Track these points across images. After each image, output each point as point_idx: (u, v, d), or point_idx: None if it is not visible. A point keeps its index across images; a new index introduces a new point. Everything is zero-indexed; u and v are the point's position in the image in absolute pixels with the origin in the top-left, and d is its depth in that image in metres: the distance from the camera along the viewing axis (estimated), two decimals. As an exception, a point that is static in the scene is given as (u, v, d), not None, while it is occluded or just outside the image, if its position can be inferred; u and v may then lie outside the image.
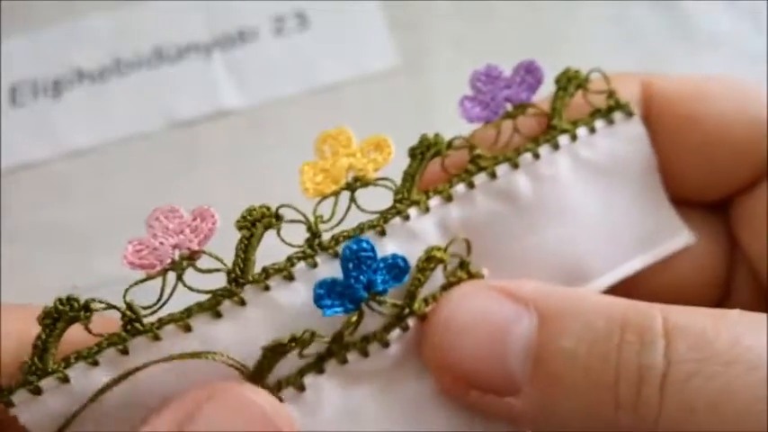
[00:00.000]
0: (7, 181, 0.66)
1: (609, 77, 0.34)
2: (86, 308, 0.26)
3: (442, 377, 0.30)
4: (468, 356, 0.28)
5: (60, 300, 0.26)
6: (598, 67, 0.34)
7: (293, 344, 0.27)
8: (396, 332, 0.30)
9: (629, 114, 0.35)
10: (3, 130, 0.68)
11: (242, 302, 0.28)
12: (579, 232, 0.33)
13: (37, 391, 0.26)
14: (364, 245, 0.29)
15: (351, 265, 0.28)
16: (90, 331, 0.27)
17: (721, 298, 0.37)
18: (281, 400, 0.28)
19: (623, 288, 0.33)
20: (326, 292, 0.28)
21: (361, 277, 0.28)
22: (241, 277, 0.28)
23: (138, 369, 0.27)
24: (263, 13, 0.73)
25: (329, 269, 0.29)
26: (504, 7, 0.72)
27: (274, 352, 0.27)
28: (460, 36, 0.71)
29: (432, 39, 0.71)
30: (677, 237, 0.35)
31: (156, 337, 0.27)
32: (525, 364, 0.28)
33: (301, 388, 0.29)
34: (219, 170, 0.66)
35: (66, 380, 0.26)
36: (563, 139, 0.33)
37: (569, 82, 0.34)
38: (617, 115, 0.34)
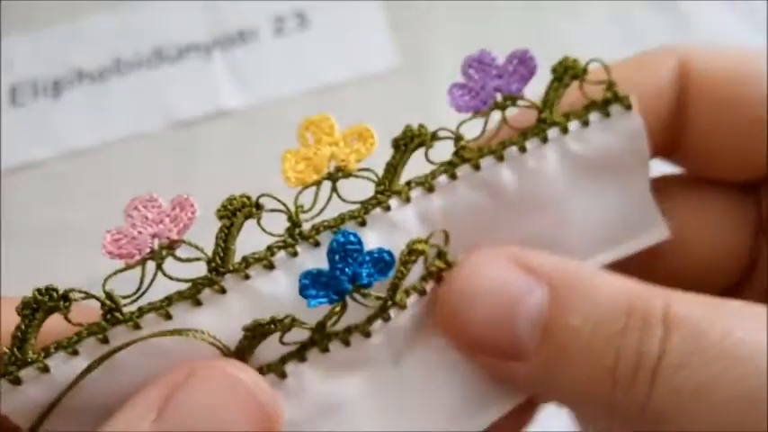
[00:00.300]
0: (7, 181, 0.66)
1: (608, 68, 0.33)
2: (65, 298, 0.26)
3: (453, 337, 0.31)
4: (480, 321, 0.30)
5: (39, 290, 0.26)
6: (599, 57, 0.33)
7: (273, 325, 0.27)
8: (377, 323, 0.30)
9: (628, 107, 0.34)
10: (3, 130, 0.68)
11: (222, 291, 0.28)
12: (558, 225, 0.33)
13: (17, 382, 0.26)
14: (351, 238, 0.29)
15: (337, 258, 0.28)
16: (70, 321, 0.27)
17: (743, 279, 0.38)
18: None
19: (642, 263, 0.34)
20: (311, 283, 0.28)
21: (347, 270, 0.29)
22: (221, 266, 0.28)
23: (117, 350, 0.27)
24: (263, 13, 0.73)
25: (310, 258, 0.29)
26: (504, 7, 0.72)
27: (255, 332, 0.28)
28: (460, 36, 0.71)
29: (432, 39, 0.71)
30: (652, 231, 0.35)
31: (137, 326, 0.27)
32: (533, 333, 0.29)
33: (283, 375, 0.29)
34: (219, 170, 0.66)
35: (45, 369, 0.26)
36: (552, 133, 0.33)
37: (566, 72, 0.33)
38: (614, 108, 0.33)
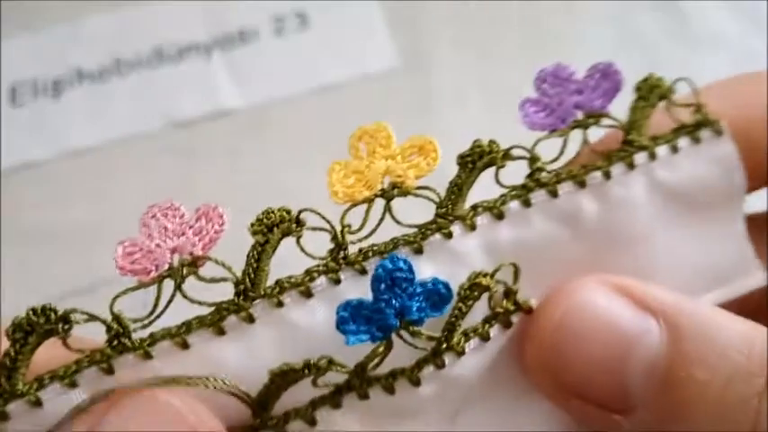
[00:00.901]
0: (7, 181, 0.66)
1: (697, 89, 0.30)
2: (65, 319, 0.23)
3: (546, 380, 0.27)
4: (582, 364, 0.25)
5: (34, 310, 0.23)
6: (688, 77, 0.30)
7: (306, 371, 0.23)
8: (429, 369, 0.26)
9: (718, 133, 0.30)
10: (3, 130, 0.68)
11: (250, 319, 0.25)
12: (647, 263, 0.29)
13: (3, 417, 0.22)
14: (401, 264, 0.25)
15: (383, 287, 0.24)
16: (69, 347, 0.23)
17: None
18: None
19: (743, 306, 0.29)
20: (351, 316, 0.24)
21: (394, 302, 0.24)
22: (251, 290, 0.25)
23: (120, 392, 0.23)
24: (263, 13, 0.73)
25: (354, 288, 0.25)
26: (504, 7, 0.72)
27: (284, 379, 0.24)
28: (460, 36, 0.71)
29: (432, 39, 0.71)
30: (751, 276, 0.31)
31: (147, 355, 0.24)
32: (646, 384, 0.25)
33: (312, 422, 0.25)
34: (219, 170, 0.66)
35: (38, 403, 0.23)
36: (640, 158, 0.29)
37: (651, 91, 0.30)
38: (704, 133, 0.30)
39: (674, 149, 0.30)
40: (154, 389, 0.23)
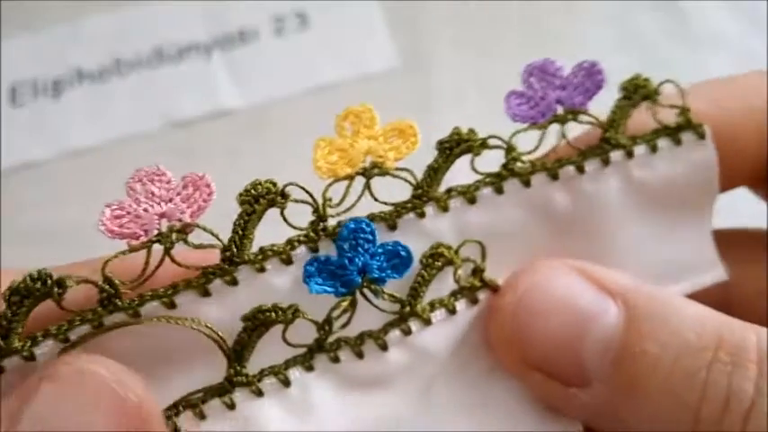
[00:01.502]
0: (7, 181, 0.66)
1: (684, 90, 0.30)
2: (60, 284, 0.24)
3: (507, 354, 0.28)
4: (542, 339, 0.27)
5: (31, 275, 0.24)
6: (673, 79, 0.30)
7: (275, 314, 0.25)
8: (395, 333, 0.27)
9: (701, 136, 0.30)
10: (3, 130, 0.68)
11: (234, 282, 0.26)
12: (613, 255, 0.30)
13: None
14: (363, 225, 0.26)
15: (347, 246, 0.26)
16: (63, 308, 0.24)
17: None
18: (259, 390, 0.26)
19: (710, 293, 0.31)
20: (317, 270, 0.26)
21: (357, 260, 0.26)
22: (236, 256, 0.26)
23: (105, 329, 0.24)
24: (263, 13, 0.73)
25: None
26: (504, 7, 0.72)
27: (254, 321, 0.25)
28: (460, 36, 0.71)
29: (432, 39, 0.71)
30: (710, 272, 0.32)
31: (136, 314, 0.25)
32: (602, 359, 0.26)
33: (286, 382, 0.26)
34: (219, 170, 0.66)
35: (31, 358, 0.24)
36: (615, 156, 0.30)
37: (635, 91, 0.30)
38: (686, 136, 0.30)
39: (653, 149, 0.30)
40: (77, 360, 0.23)
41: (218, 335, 0.25)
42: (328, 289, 0.26)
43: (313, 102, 0.68)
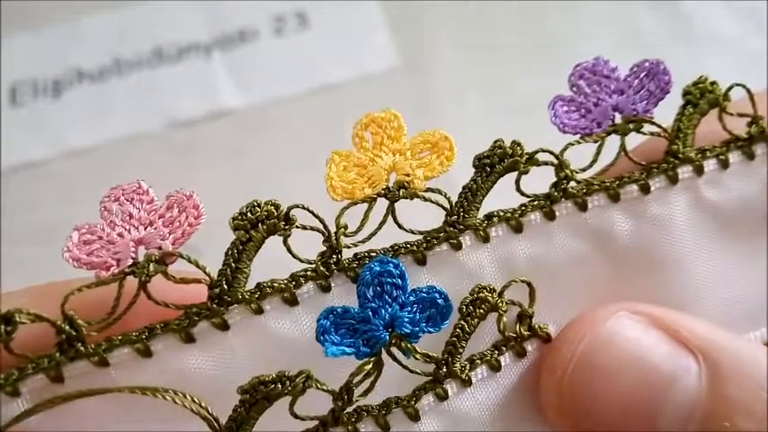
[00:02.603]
0: (7, 181, 0.66)
1: (753, 96, 0.26)
2: (7, 320, 0.19)
3: (563, 421, 0.23)
4: (608, 406, 0.22)
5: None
6: (742, 82, 0.26)
7: (280, 386, 0.19)
8: (428, 399, 0.22)
9: None
10: (3, 130, 0.68)
11: (224, 326, 0.21)
12: (683, 292, 0.25)
13: None
14: (391, 267, 0.21)
15: (370, 293, 0.21)
16: (11, 351, 0.20)
17: None
18: None
19: None
20: (333, 325, 0.20)
21: (383, 311, 0.20)
22: (227, 293, 0.21)
23: (65, 398, 0.19)
24: (263, 13, 0.73)
25: (345, 297, 0.22)
26: (504, 7, 0.72)
27: (255, 396, 0.20)
28: (460, 36, 0.71)
29: (432, 39, 0.71)
30: None
31: (103, 363, 0.20)
32: (682, 430, 0.21)
33: None
34: (219, 170, 0.66)
35: None
36: (684, 172, 0.25)
37: (701, 97, 0.26)
38: (759, 148, 0.26)
39: (724, 165, 0.26)
40: None
41: (209, 412, 0.20)
42: (348, 350, 0.20)
43: (313, 101, 0.68)
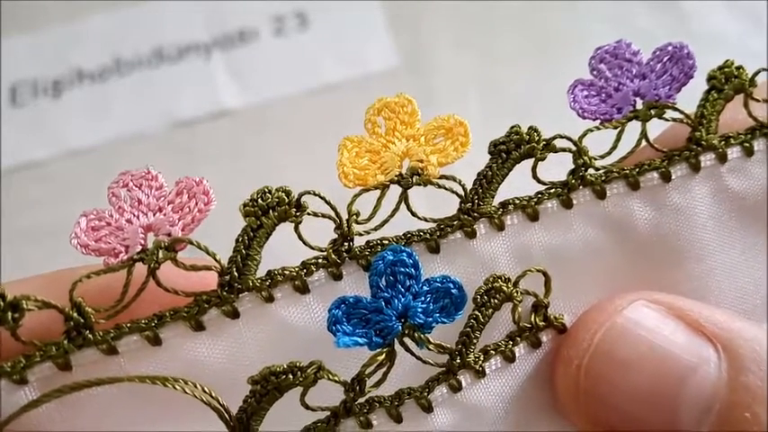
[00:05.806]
0: (7, 181, 0.66)
1: None
2: (15, 307, 0.19)
3: (579, 412, 0.22)
4: (625, 397, 0.21)
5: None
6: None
7: (291, 376, 0.19)
8: (441, 391, 0.21)
9: None
10: (3, 130, 0.68)
11: (234, 314, 0.21)
12: (703, 282, 0.25)
13: None
14: (404, 257, 0.20)
15: (383, 282, 0.20)
16: (19, 339, 0.19)
17: None
18: None
19: None
20: (345, 315, 0.20)
21: (396, 301, 0.20)
22: (237, 280, 0.21)
23: (73, 387, 0.18)
24: (263, 13, 0.73)
25: (357, 285, 0.22)
26: (504, 7, 0.72)
27: (266, 386, 0.19)
28: (460, 36, 0.71)
29: (432, 39, 0.71)
30: None
31: (112, 351, 0.20)
32: (701, 422, 0.20)
33: None
34: (219, 170, 0.66)
35: None
36: (707, 159, 0.24)
37: (727, 82, 0.26)
38: None
39: (749, 153, 0.25)
40: None
41: (219, 403, 0.20)
42: (360, 340, 0.20)
43: (313, 101, 0.68)
